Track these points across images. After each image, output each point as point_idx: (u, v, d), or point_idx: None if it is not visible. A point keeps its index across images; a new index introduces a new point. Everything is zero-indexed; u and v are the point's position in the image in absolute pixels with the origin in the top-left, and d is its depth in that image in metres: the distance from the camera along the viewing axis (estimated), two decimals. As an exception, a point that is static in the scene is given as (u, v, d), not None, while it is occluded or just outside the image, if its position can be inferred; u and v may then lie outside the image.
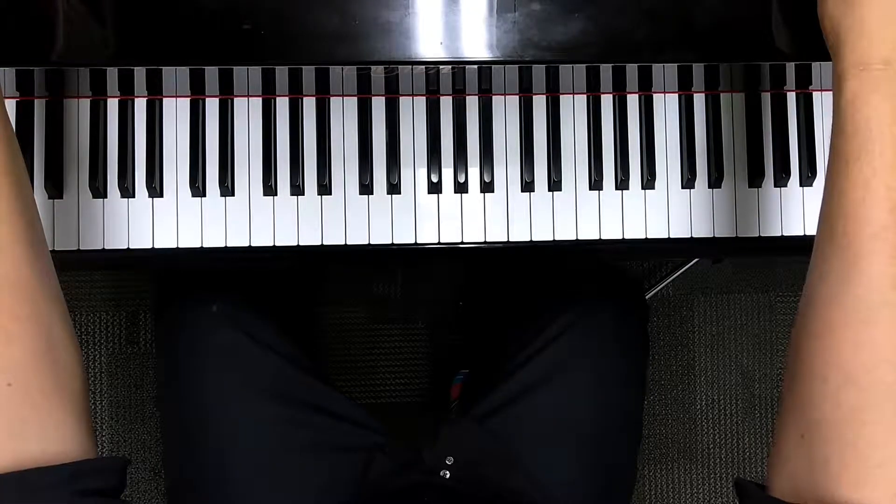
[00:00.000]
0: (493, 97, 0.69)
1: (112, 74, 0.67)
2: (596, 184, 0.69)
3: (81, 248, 0.67)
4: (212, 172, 0.67)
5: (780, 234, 0.70)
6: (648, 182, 0.69)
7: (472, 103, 0.69)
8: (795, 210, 0.70)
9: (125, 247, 0.67)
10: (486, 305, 1.33)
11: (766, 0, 0.61)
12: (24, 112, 0.67)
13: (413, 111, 0.69)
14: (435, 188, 0.68)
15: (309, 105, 0.68)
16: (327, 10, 0.58)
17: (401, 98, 0.69)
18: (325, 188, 0.68)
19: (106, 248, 0.67)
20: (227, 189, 0.67)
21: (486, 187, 0.68)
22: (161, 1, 0.58)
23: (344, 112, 0.69)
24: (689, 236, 0.70)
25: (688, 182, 0.70)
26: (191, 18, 0.59)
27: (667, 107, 0.70)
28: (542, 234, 0.69)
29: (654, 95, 0.70)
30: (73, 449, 0.45)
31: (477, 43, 0.59)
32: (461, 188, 0.68)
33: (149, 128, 0.67)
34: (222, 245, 0.67)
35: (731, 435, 1.46)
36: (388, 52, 0.59)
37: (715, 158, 0.70)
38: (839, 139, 0.48)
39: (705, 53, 0.64)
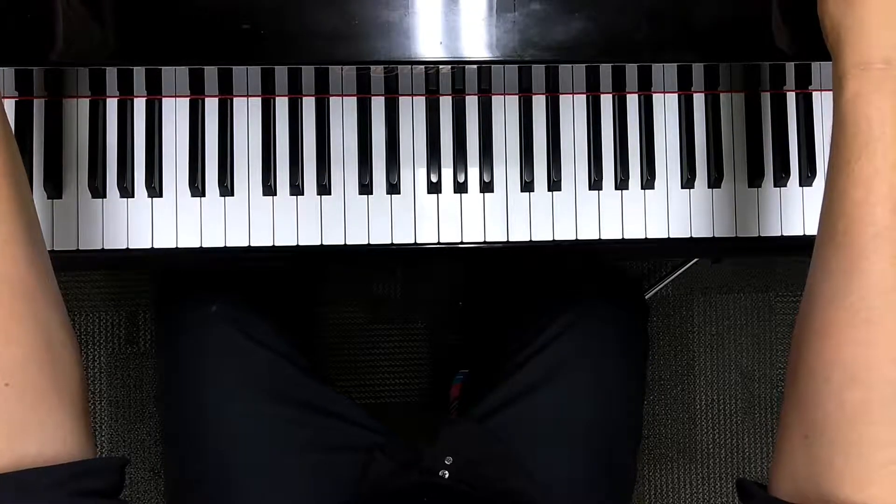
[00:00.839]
0: (493, 97, 0.69)
1: (111, 74, 0.67)
2: (595, 184, 0.69)
3: (80, 248, 0.67)
4: (211, 172, 0.67)
5: (779, 234, 0.70)
6: (648, 182, 0.69)
7: (471, 103, 0.69)
8: (795, 210, 0.70)
9: (124, 247, 0.67)
10: (485, 305, 1.33)
11: (765, 0, 0.61)
12: (24, 112, 0.66)
13: (413, 111, 0.69)
14: (434, 188, 0.68)
15: (308, 105, 0.68)
16: (327, 10, 0.58)
17: (400, 98, 0.69)
18: (324, 188, 0.68)
19: (105, 248, 0.67)
20: (226, 189, 0.67)
21: (486, 187, 0.68)
22: (160, 1, 0.58)
23: (343, 112, 0.69)
24: (689, 236, 0.70)
25: (687, 182, 0.70)
26: (190, 18, 0.59)
27: (666, 107, 0.70)
28: (542, 234, 0.69)
29: (654, 95, 0.70)
30: (72, 449, 0.45)
31: (476, 43, 0.59)
32: (461, 188, 0.68)
33: (148, 128, 0.67)
34: (222, 245, 0.67)
35: (730, 435, 1.46)
36: (387, 51, 0.59)
37: (714, 158, 0.70)
38: (840, 138, 0.48)
39: (705, 53, 0.64)
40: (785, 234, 0.70)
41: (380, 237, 0.68)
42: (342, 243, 0.68)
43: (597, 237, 0.69)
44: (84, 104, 0.67)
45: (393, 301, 1.40)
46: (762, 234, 0.70)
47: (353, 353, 1.40)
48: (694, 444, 1.44)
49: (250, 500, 0.74)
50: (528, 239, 0.69)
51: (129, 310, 1.38)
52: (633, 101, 0.70)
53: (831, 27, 0.51)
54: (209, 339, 0.76)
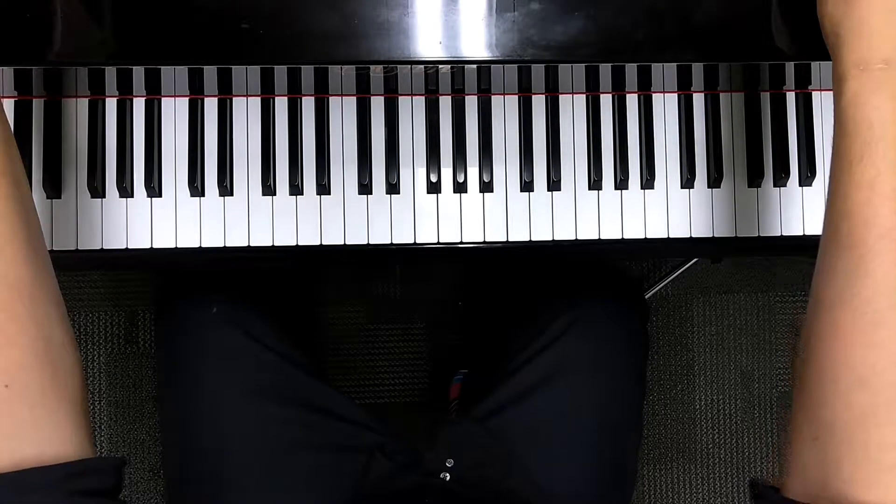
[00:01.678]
0: (493, 97, 0.69)
1: (111, 74, 0.67)
2: (595, 184, 0.69)
3: (80, 247, 0.67)
4: (210, 172, 0.67)
5: (779, 234, 0.70)
6: (648, 182, 0.69)
7: (471, 103, 0.69)
8: (795, 210, 0.70)
9: (123, 247, 0.67)
10: (485, 305, 1.33)
11: (765, 0, 0.61)
12: (23, 112, 0.66)
13: (412, 111, 0.69)
14: (434, 188, 0.68)
15: (308, 105, 0.68)
16: (326, 10, 0.58)
17: (400, 98, 0.68)
18: (324, 188, 0.68)
19: (104, 247, 0.67)
20: (225, 189, 0.67)
21: (486, 187, 0.68)
22: (160, 0, 0.58)
23: (343, 112, 0.68)
24: (689, 236, 0.70)
25: (687, 182, 0.70)
26: (189, 18, 0.59)
27: (666, 107, 0.70)
28: (542, 234, 0.69)
29: (654, 95, 0.70)
30: (72, 450, 0.45)
31: (476, 42, 0.59)
32: (460, 188, 0.68)
33: (147, 127, 0.67)
34: (221, 245, 0.67)
35: (730, 435, 1.46)
36: (387, 51, 0.59)
37: (714, 158, 0.70)
38: (841, 140, 0.48)
39: (705, 53, 0.64)
40: (785, 234, 0.70)
41: (379, 237, 0.68)
42: (341, 243, 0.68)
43: (596, 237, 0.69)
44: (83, 104, 0.67)
45: (393, 301, 1.40)
46: (762, 234, 0.70)
47: (353, 353, 1.40)
48: (693, 444, 1.44)
49: (250, 500, 0.74)
50: (527, 239, 0.69)
51: (129, 310, 1.38)
52: (632, 101, 0.70)
53: (830, 28, 0.51)
54: (209, 340, 0.76)
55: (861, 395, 0.44)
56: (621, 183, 0.69)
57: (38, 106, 0.67)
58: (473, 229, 0.69)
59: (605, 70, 0.69)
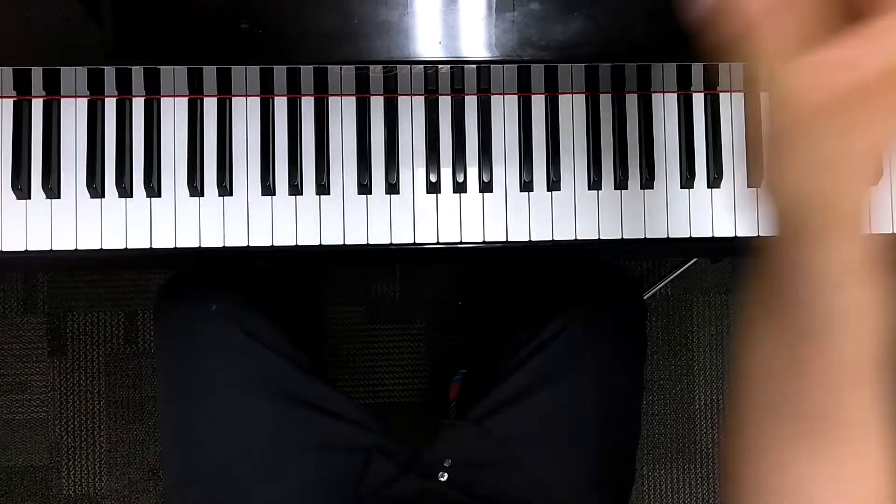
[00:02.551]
0: (492, 97, 0.69)
1: (110, 74, 0.67)
2: (595, 183, 0.69)
3: (79, 247, 0.67)
4: (210, 172, 0.67)
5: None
6: (647, 182, 0.69)
7: (470, 103, 0.69)
8: (794, 210, 0.70)
9: (123, 247, 0.67)
10: (485, 305, 1.33)
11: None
12: (22, 112, 0.66)
13: (412, 111, 0.69)
14: (434, 188, 0.68)
15: (307, 105, 0.68)
16: (326, 10, 0.58)
17: (399, 98, 0.68)
18: (323, 188, 0.67)
19: (104, 247, 0.67)
20: (225, 189, 0.67)
21: (485, 187, 0.68)
22: (159, 0, 0.58)
23: (342, 112, 0.68)
24: (689, 236, 0.70)
25: (687, 182, 0.70)
26: (189, 18, 0.59)
27: (666, 106, 0.70)
28: (541, 234, 0.69)
29: (654, 95, 0.70)
30: None
31: (476, 42, 0.59)
32: (460, 188, 0.68)
33: (147, 128, 0.67)
34: (220, 245, 0.67)
35: (730, 435, 1.46)
36: (386, 51, 0.59)
37: (714, 158, 0.70)
38: (809, 315, 0.40)
39: (704, 53, 0.64)
40: (784, 233, 0.70)
41: (379, 237, 0.68)
42: (341, 243, 0.68)
43: (596, 237, 0.69)
44: (82, 104, 0.67)
45: (392, 301, 1.40)
46: (762, 234, 0.70)
47: (353, 352, 1.40)
48: (693, 444, 1.44)
49: (249, 499, 0.74)
50: (527, 239, 0.69)
51: (128, 310, 1.38)
52: (632, 101, 0.70)
53: (794, 203, 0.38)
54: (210, 338, 0.76)
55: None
56: (621, 183, 0.69)
57: (36, 106, 0.67)
58: (473, 229, 0.69)
59: (605, 70, 0.69)
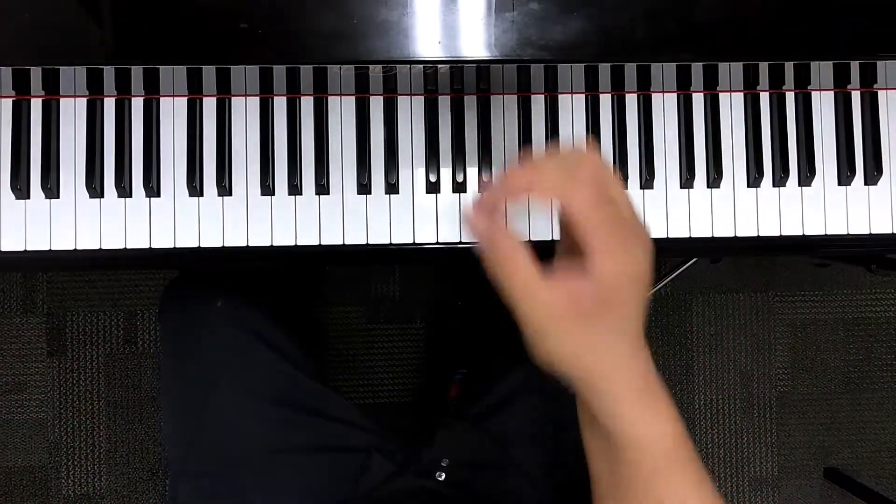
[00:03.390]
0: (492, 96, 0.69)
1: (109, 74, 0.67)
2: (594, 183, 0.69)
3: (78, 247, 0.67)
4: (209, 172, 0.67)
5: (778, 234, 0.70)
6: (647, 182, 0.69)
7: (470, 103, 0.69)
8: (794, 210, 0.70)
9: (122, 247, 0.67)
10: (484, 305, 1.33)
11: (764, -1, 0.61)
12: (21, 111, 0.66)
13: (411, 111, 0.69)
14: (433, 188, 0.68)
15: (307, 104, 0.68)
16: (325, 9, 0.58)
17: (399, 97, 0.68)
18: (322, 188, 0.67)
19: (103, 247, 0.67)
20: (224, 189, 0.67)
21: (485, 187, 0.68)
22: (158, 0, 0.58)
23: (342, 112, 0.68)
24: (688, 236, 0.70)
25: (686, 182, 0.70)
26: (188, 17, 0.58)
27: (665, 106, 0.70)
28: (541, 234, 0.69)
29: (653, 95, 0.70)
30: None
31: (475, 42, 0.59)
32: (459, 188, 0.68)
33: (146, 127, 0.67)
34: (219, 245, 0.67)
35: (729, 434, 1.46)
36: (386, 51, 0.59)
37: (714, 158, 0.70)
38: (606, 432, 0.50)
39: (704, 53, 0.64)
40: (784, 233, 0.70)
41: (378, 237, 0.68)
42: (340, 243, 0.68)
43: (596, 237, 0.69)
44: (81, 104, 0.67)
45: (392, 301, 1.40)
46: (761, 234, 0.70)
47: (352, 353, 1.40)
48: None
49: (249, 498, 0.74)
50: (526, 239, 0.69)
51: (128, 310, 1.38)
52: (632, 101, 0.70)
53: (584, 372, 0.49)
54: (213, 337, 0.76)
55: None
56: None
57: (35, 106, 0.67)
58: (472, 229, 0.68)
59: (605, 70, 0.69)
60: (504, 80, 0.69)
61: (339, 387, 0.93)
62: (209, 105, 0.68)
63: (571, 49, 0.60)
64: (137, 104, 0.67)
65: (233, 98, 0.68)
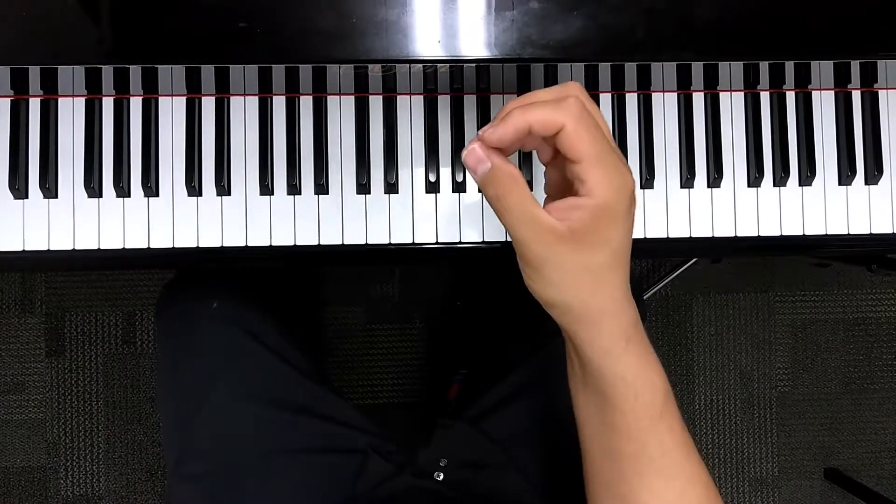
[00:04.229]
0: (492, 96, 0.69)
1: (107, 73, 0.67)
2: (595, 183, 0.69)
3: (77, 248, 0.66)
4: (208, 172, 0.67)
5: (779, 234, 0.70)
6: (647, 181, 0.69)
7: (470, 102, 0.69)
8: (794, 209, 0.70)
9: (121, 247, 0.67)
10: (483, 305, 1.33)
11: (765, -2, 0.60)
12: (19, 111, 0.66)
13: (411, 110, 0.68)
14: (433, 188, 0.68)
15: (306, 104, 0.68)
16: (324, 8, 0.58)
17: (398, 97, 0.68)
18: (322, 188, 0.67)
19: (101, 247, 0.66)
20: (223, 188, 0.67)
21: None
22: (156, -1, 0.58)
23: (341, 111, 0.68)
24: (688, 236, 0.70)
25: (686, 181, 0.69)
26: (187, 16, 0.58)
27: (666, 106, 0.70)
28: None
29: (653, 94, 0.70)
30: None
31: (475, 41, 0.59)
32: (459, 188, 0.68)
33: (144, 127, 0.67)
34: (218, 245, 0.67)
35: (729, 435, 1.46)
36: (385, 50, 0.59)
37: (714, 158, 0.70)
38: (599, 380, 0.52)
39: (704, 52, 0.64)
40: (784, 233, 0.70)
41: (378, 237, 0.68)
42: (340, 243, 0.67)
43: (596, 237, 0.69)
44: (80, 103, 0.67)
45: (391, 301, 1.40)
46: (762, 234, 0.70)
47: (352, 353, 1.40)
48: (693, 445, 1.44)
49: (247, 499, 0.74)
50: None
51: (126, 310, 1.38)
52: (632, 101, 0.70)
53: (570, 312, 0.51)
54: (210, 338, 0.76)
55: None
56: (621, 182, 0.69)
57: (34, 105, 0.66)
58: (472, 229, 0.68)
59: (605, 69, 0.69)
60: (504, 79, 0.69)
61: (338, 387, 0.93)
62: (208, 104, 0.67)
63: (571, 48, 0.59)
64: (136, 104, 0.67)
65: (231, 97, 0.68)
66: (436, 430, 0.79)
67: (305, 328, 1.12)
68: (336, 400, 0.78)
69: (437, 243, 0.68)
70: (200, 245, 0.67)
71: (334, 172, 0.68)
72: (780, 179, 0.70)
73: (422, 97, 0.68)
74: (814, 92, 0.70)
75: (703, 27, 0.61)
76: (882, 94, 0.71)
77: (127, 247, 0.67)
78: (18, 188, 0.66)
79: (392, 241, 0.68)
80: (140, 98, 0.67)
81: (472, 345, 1.34)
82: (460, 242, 0.68)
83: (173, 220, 0.67)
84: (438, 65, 0.66)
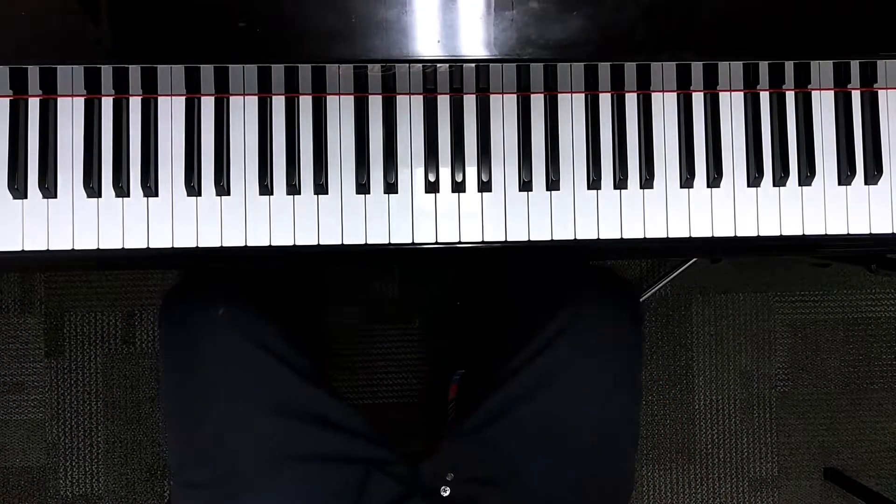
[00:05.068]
0: (491, 96, 0.69)
1: (107, 73, 0.67)
2: (594, 183, 0.69)
3: (76, 247, 0.66)
4: (207, 172, 0.67)
5: (779, 234, 0.70)
6: (647, 181, 0.69)
7: (469, 102, 0.68)
8: (794, 209, 0.70)
9: (120, 246, 0.67)
10: (483, 305, 1.33)
11: (765, -2, 0.60)
12: (18, 111, 0.66)
13: (410, 110, 0.68)
14: (432, 188, 0.68)
15: (305, 104, 0.68)
16: (324, 8, 0.58)
17: (398, 97, 0.68)
18: (321, 187, 0.67)
19: (101, 247, 0.66)
20: (222, 188, 0.67)
21: (484, 187, 0.68)
22: (156, -1, 0.58)
23: (341, 111, 0.68)
24: (688, 236, 0.70)
25: (686, 181, 0.69)
26: (186, 16, 0.58)
27: (665, 106, 0.70)
28: (540, 234, 0.68)
29: (653, 94, 0.70)
30: None
31: (475, 41, 0.59)
32: (458, 187, 0.68)
33: (144, 127, 0.67)
34: (218, 245, 0.67)
35: (729, 435, 1.46)
36: (385, 50, 0.59)
37: (714, 158, 0.69)
38: None
39: (704, 52, 0.64)
40: (784, 233, 0.70)
41: (377, 237, 0.68)
42: (339, 243, 0.67)
43: (595, 237, 0.69)
44: (79, 103, 0.67)
45: (390, 301, 1.40)
46: (761, 234, 0.70)
47: (351, 353, 1.40)
48: (692, 445, 1.44)
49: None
50: (526, 239, 0.68)
51: (126, 310, 1.38)
52: (631, 100, 0.70)
53: None
54: (214, 344, 0.75)
55: None
56: (620, 182, 0.69)
57: (33, 105, 0.66)
58: (472, 229, 0.68)
59: (605, 69, 0.69)
60: (503, 79, 0.69)
61: (337, 387, 0.93)
62: (207, 104, 0.67)
63: (571, 48, 0.59)
64: (135, 103, 0.67)
65: (231, 97, 0.67)
66: (441, 443, 0.78)
67: (308, 333, 1.12)
68: (339, 405, 0.78)
69: (436, 243, 0.68)
70: (200, 245, 0.67)
71: (334, 172, 0.68)
72: (780, 179, 0.70)
73: (421, 97, 0.68)
74: (813, 92, 0.70)
75: (703, 27, 0.61)
76: (882, 94, 0.71)
77: (126, 247, 0.66)
78: (18, 188, 0.66)
79: (392, 241, 0.68)
80: (139, 98, 0.67)
81: (471, 345, 1.34)
82: (460, 242, 0.68)
83: (173, 220, 0.67)
84: (438, 65, 0.66)
